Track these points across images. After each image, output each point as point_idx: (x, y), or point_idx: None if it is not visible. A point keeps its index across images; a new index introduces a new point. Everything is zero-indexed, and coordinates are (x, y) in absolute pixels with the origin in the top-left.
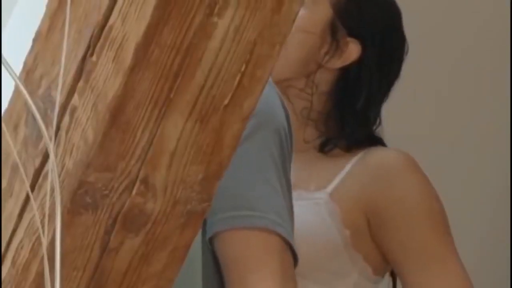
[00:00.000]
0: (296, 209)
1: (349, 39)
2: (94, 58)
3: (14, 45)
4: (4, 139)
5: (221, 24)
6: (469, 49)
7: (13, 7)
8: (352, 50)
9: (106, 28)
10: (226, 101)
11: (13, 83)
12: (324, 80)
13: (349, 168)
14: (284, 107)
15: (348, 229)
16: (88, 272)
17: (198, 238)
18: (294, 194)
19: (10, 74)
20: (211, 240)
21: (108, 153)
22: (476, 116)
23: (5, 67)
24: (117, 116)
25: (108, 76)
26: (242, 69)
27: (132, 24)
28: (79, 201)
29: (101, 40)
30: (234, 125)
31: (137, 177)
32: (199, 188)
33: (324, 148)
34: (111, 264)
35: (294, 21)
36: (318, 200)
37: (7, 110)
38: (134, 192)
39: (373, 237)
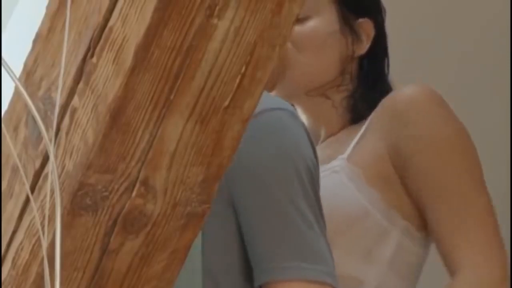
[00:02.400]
0: None
1: (359, 20)
2: (94, 59)
3: (14, 46)
4: (4, 140)
5: (221, 25)
6: (469, 49)
7: (13, 8)
8: (368, 29)
9: (106, 29)
10: (226, 103)
11: (13, 85)
12: (355, 67)
13: (367, 125)
14: (309, 137)
15: (373, 187)
16: (88, 273)
17: (198, 239)
18: None
19: (10, 75)
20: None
21: (108, 154)
22: (476, 116)
23: (5, 68)
24: (117, 118)
25: (108, 78)
26: (242, 70)
27: (132, 26)
28: (79, 203)
29: (101, 41)
30: (234, 127)
31: (137, 178)
32: (199, 190)
33: (353, 121)
34: (111, 266)
35: (294, 22)
36: (336, 167)
37: (7, 111)
38: (134, 193)
39: (404, 186)
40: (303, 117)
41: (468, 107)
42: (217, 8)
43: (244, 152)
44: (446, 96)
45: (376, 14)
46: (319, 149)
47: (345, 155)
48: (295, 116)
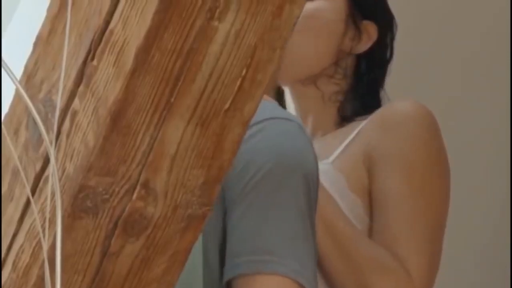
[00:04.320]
0: None
1: (365, 22)
2: (94, 62)
3: (14, 49)
4: (4, 143)
5: (221, 28)
6: (469, 49)
7: (13, 11)
8: (371, 32)
9: (107, 32)
10: (226, 105)
11: (13, 87)
12: (350, 64)
13: (356, 132)
14: (314, 152)
15: (355, 193)
16: (88, 276)
17: (199, 242)
18: None
19: (11, 78)
20: (229, 282)
21: (109, 157)
22: (476, 116)
23: (6, 71)
24: (117, 120)
25: (108, 80)
26: (243, 73)
27: (133, 28)
28: (79, 205)
29: (102, 44)
30: (235, 129)
31: (137, 181)
32: (200, 192)
33: (343, 122)
34: (111, 268)
35: (294, 25)
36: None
37: (7, 114)
38: (134, 196)
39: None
40: (292, 106)
41: (468, 107)
42: (218, 10)
43: (249, 157)
44: (446, 96)
45: (382, 22)
46: None
47: (330, 159)
48: (302, 129)
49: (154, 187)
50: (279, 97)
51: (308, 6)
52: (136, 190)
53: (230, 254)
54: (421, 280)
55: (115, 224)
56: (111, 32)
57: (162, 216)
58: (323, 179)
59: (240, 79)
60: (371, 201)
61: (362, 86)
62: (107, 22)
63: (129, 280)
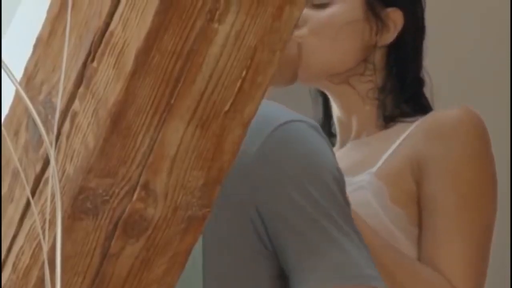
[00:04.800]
0: None
1: (388, 9)
2: (95, 63)
3: (14, 50)
4: (4, 144)
5: (222, 29)
6: (469, 49)
7: (13, 12)
8: (396, 19)
9: (107, 33)
10: (226, 107)
11: (13, 89)
12: (379, 57)
13: (404, 137)
14: (331, 147)
15: (398, 204)
16: (88, 277)
17: (199, 243)
18: None
19: (11, 79)
20: None
21: (109, 158)
22: None
23: (6, 72)
24: (117, 122)
25: (109, 82)
26: (243, 74)
27: (133, 30)
28: (79, 207)
29: (102, 45)
30: (235, 131)
31: (137, 182)
32: (200, 194)
33: (387, 123)
34: (111, 270)
35: (294, 27)
36: (362, 182)
37: (7, 115)
38: (134, 197)
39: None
40: (334, 106)
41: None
42: (218, 12)
43: (269, 165)
44: (446, 96)
45: (408, 4)
46: (347, 149)
47: (374, 168)
48: (315, 127)
49: (154, 189)
50: (325, 101)
51: (322, 14)
52: (136, 192)
53: (295, 270)
54: None
55: (115, 226)
56: (111, 33)
57: (162, 217)
58: (366, 191)
59: (240, 81)
60: (419, 209)
61: (393, 79)
62: (107, 24)
63: (129, 282)
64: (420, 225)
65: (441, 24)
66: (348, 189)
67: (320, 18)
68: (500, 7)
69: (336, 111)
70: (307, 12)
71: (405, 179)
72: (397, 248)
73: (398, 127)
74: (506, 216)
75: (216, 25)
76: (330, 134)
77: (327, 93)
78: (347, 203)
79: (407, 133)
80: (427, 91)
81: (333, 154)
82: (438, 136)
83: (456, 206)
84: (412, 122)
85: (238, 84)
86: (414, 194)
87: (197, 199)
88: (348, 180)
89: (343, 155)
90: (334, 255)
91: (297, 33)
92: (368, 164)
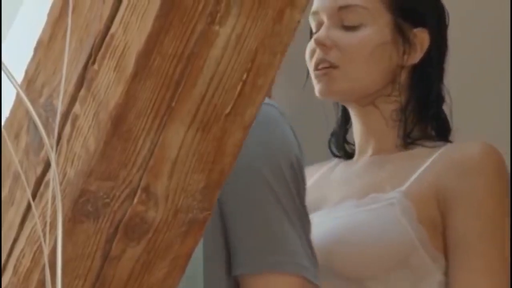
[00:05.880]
0: (368, 213)
1: (415, 30)
2: (95, 66)
3: (15, 53)
4: (5, 147)
5: (222, 32)
6: (469, 49)
7: (14, 16)
8: (423, 39)
9: (108, 36)
10: (227, 110)
11: (14, 92)
12: (405, 77)
13: (428, 164)
14: (295, 136)
15: (423, 225)
16: (89, 280)
17: (199, 246)
18: (368, 198)
19: (12, 82)
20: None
21: (110, 161)
22: (476, 116)
23: (7, 75)
24: (118, 125)
25: (109, 85)
26: (244, 77)
27: (133, 33)
28: (80, 210)
29: (103, 48)
30: (236, 134)
31: (138, 185)
32: (201, 197)
33: (407, 144)
34: (112, 273)
35: (295, 30)
36: (392, 199)
37: (8, 118)
38: (135, 200)
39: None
40: (355, 125)
41: (468, 107)
42: (219, 15)
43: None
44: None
45: (434, 24)
46: (368, 163)
47: (404, 188)
48: (282, 113)
49: (155, 192)
50: (345, 117)
51: (352, 39)
52: (137, 195)
53: (237, 250)
54: None
55: (116, 228)
56: (112, 36)
57: (163, 220)
58: (396, 208)
59: (241, 84)
60: (443, 239)
61: (416, 99)
62: (108, 27)
63: (130, 285)
64: (442, 251)
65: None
66: (378, 205)
67: (352, 41)
68: (500, 7)
69: (356, 125)
70: (338, 33)
71: (430, 205)
72: None
73: (419, 150)
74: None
75: (217, 28)
76: (344, 141)
77: (352, 112)
78: (299, 192)
79: (432, 159)
80: (446, 108)
81: (297, 142)
82: (464, 172)
83: (479, 238)
84: (433, 148)
85: (239, 87)
86: (437, 221)
87: (198, 202)
88: (378, 196)
89: (363, 169)
90: (272, 240)
91: (330, 57)
92: (396, 183)
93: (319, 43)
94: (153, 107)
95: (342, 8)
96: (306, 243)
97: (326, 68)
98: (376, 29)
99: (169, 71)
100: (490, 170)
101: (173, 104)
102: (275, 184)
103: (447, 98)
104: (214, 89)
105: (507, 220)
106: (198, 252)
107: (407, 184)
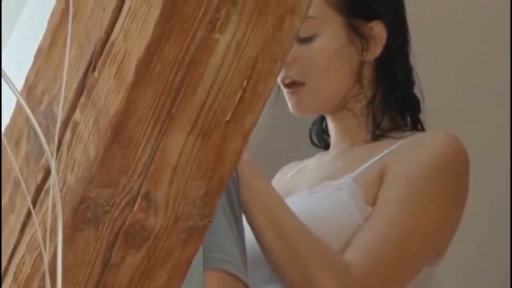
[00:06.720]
0: (317, 200)
1: (369, 24)
2: (95, 73)
3: (15, 60)
4: (5, 154)
5: (222, 40)
6: (469, 49)
7: (14, 23)
8: (380, 31)
9: (108, 44)
10: (227, 117)
11: (14, 99)
12: (370, 72)
13: (386, 152)
14: None
15: (371, 205)
16: (89, 287)
17: (200, 252)
18: (320, 186)
19: (12, 89)
20: None
21: (110, 168)
22: (476, 116)
23: (7, 82)
24: (118, 132)
25: (110, 92)
26: (244, 84)
27: (133, 40)
28: (80, 217)
29: (103, 56)
30: (236, 141)
31: (138, 192)
32: (201, 204)
33: (376, 137)
34: (112, 280)
35: (295, 37)
36: (341, 185)
37: (8, 125)
38: (135, 207)
39: None
40: (330, 125)
41: (468, 107)
42: (219, 22)
43: None
44: (446, 96)
45: (388, 13)
46: (334, 155)
47: (354, 174)
48: None
49: (155, 199)
50: (324, 122)
51: (309, 49)
52: (137, 202)
53: None
54: (362, 276)
55: (116, 236)
56: (112, 44)
57: (163, 227)
58: (343, 192)
59: (241, 91)
60: None
61: (382, 89)
62: (108, 34)
63: None
64: None
65: (441, 24)
66: (327, 191)
67: (310, 54)
68: (500, 7)
69: (331, 125)
70: (294, 48)
71: (377, 184)
72: (313, 232)
73: (385, 142)
74: (506, 216)
75: (217, 35)
76: (323, 131)
77: (327, 117)
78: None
79: (391, 148)
80: (417, 91)
81: None
82: (410, 147)
83: (392, 200)
84: (399, 138)
85: (239, 94)
86: None
87: (198, 209)
88: (329, 183)
89: (329, 161)
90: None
91: (292, 73)
92: (348, 170)
93: None
94: (153, 114)
95: None
96: (236, 242)
97: (293, 84)
98: (330, 35)
99: (169, 78)
100: (434, 147)
101: (173, 111)
102: None
103: (417, 81)
104: (214, 96)
105: (444, 203)
106: (196, 257)
107: (359, 170)
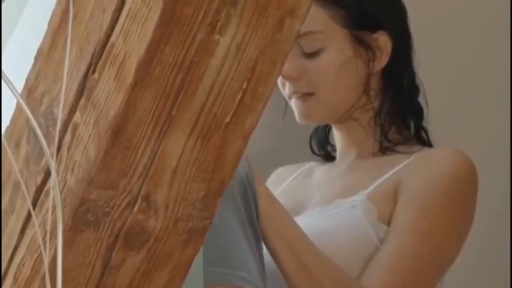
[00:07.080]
0: (330, 218)
1: (374, 35)
2: (96, 75)
3: (15, 62)
4: (5, 156)
5: (222, 41)
6: (469, 49)
7: (14, 25)
8: (384, 42)
9: (108, 45)
10: (227, 119)
11: (14, 101)
12: (376, 82)
13: (397, 169)
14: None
15: (385, 223)
16: None
17: (200, 254)
18: (333, 204)
19: (12, 91)
20: None
21: (110, 170)
22: (476, 117)
23: (7, 84)
24: (118, 133)
25: (110, 94)
26: (244, 86)
27: (134, 42)
28: (80, 219)
29: (103, 57)
30: (236, 143)
31: (138, 194)
32: (201, 206)
33: (384, 149)
34: (112, 282)
35: (295, 39)
36: (354, 202)
37: (8, 127)
38: (135, 209)
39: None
40: (336, 134)
41: (468, 107)
42: (219, 24)
43: None
44: (446, 97)
45: (391, 23)
46: (343, 170)
47: (367, 191)
48: None
49: (155, 200)
50: (327, 131)
51: (316, 64)
52: (137, 203)
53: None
54: None
55: (116, 237)
56: (112, 45)
57: (163, 229)
58: (357, 210)
59: (241, 92)
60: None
61: (389, 100)
62: (108, 36)
63: None
64: None
65: (441, 23)
66: (340, 209)
67: (317, 68)
68: (500, 7)
69: (337, 135)
70: (301, 62)
71: (390, 202)
72: (332, 262)
73: (395, 157)
74: (506, 217)
75: (217, 37)
76: (326, 141)
77: (333, 127)
78: (247, 206)
79: (401, 165)
80: (421, 97)
81: (246, 159)
82: (422, 166)
83: (407, 226)
84: (408, 153)
85: (239, 96)
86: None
87: (198, 211)
88: (342, 201)
89: (339, 176)
90: (212, 248)
91: (300, 87)
92: (360, 187)
93: (286, 77)
94: (153, 115)
95: (299, 37)
96: (253, 257)
97: (302, 95)
98: (336, 49)
99: (169, 80)
100: (447, 167)
101: (173, 112)
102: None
103: (421, 88)
104: (214, 98)
105: (453, 221)
106: (197, 258)
107: (371, 187)
